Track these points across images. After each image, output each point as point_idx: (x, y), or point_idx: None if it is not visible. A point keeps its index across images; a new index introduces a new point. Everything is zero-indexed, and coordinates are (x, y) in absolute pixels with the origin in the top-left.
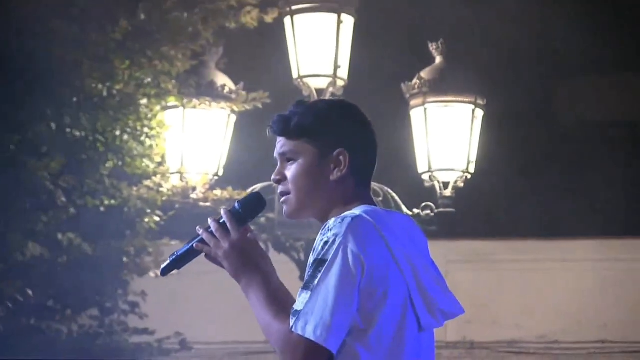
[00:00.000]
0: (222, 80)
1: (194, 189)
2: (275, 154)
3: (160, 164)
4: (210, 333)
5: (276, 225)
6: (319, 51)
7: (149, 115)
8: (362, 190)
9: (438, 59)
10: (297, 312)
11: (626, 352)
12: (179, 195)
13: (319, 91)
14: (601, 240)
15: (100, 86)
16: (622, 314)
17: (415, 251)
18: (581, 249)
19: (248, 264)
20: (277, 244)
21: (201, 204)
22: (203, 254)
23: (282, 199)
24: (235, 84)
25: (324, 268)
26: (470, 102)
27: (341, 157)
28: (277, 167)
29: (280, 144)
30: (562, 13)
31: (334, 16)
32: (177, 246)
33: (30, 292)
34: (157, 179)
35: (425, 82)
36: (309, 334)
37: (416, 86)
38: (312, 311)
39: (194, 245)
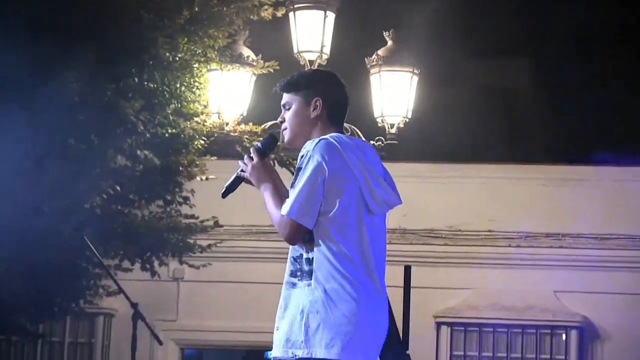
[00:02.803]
0: (247, 52)
1: (227, 124)
2: (281, 106)
3: (205, 106)
4: (235, 217)
5: (280, 150)
6: (311, 35)
7: (199, 75)
8: (334, 125)
9: (389, 42)
10: (285, 202)
11: (506, 238)
12: (217, 128)
13: (311, 62)
14: (491, 164)
15: (168, 54)
16: (503, 213)
17: (366, 162)
18: (479, 170)
19: (263, 177)
20: (281, 161)
21: (231, 133)
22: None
23: (284, 132)
24: (256, 55)
25: (300, 173)
26: (409, 71)
27: (317, 103)
28: (282, 113)
29: (283, 98)
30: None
31: (322, 12)
32: (216, 161)
33: (118, 188)
34: (203, 116)
35: (381, 57)
36: (290, 214)
37: (374, 60)
38: (292, 201)
39: (237, 173)
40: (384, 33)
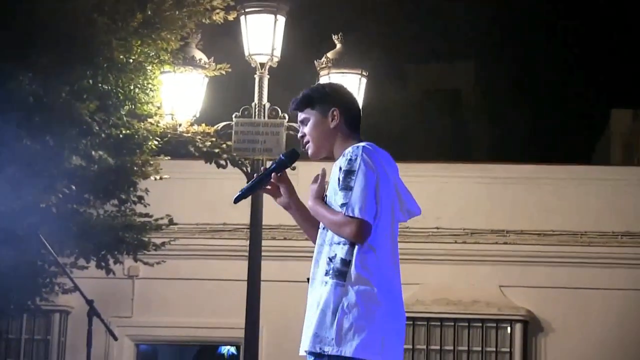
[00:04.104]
0: (199, 55)
1: (180, 125)
2: (298, 124)
3: (158, 108)
4: (189, 216)
5: (232, 150)
6: (262, 38)
7: (152, 77)
8: (353, 131)
9: (338, 45)
10: (345, 204)
11: (453, 235)
12: (170, 128)
13: (262, 64)
14: (436, 163)
15: (122, 57)
16: (449, 210)
17: (395, 171)
18: (425, 169)
19: (292, 191)
20: (233, 161)
21: (184, 134)
22: (261, 188)
23: (307, 146)
24: (208, 58)
25: (354, 175)
26: (358, 73)
27: (334, 113)
28: (300, 129)
29: (298, 116)
30: (415, 19)
31: (272, 16)
32: (169, 161)
33: (73, 187)
34: (156, 117)
35: (330, 60)
36: (356, 213)
37: (324, 62)
38: (355, 201)
39: (256, 183)
40: (333, 36)
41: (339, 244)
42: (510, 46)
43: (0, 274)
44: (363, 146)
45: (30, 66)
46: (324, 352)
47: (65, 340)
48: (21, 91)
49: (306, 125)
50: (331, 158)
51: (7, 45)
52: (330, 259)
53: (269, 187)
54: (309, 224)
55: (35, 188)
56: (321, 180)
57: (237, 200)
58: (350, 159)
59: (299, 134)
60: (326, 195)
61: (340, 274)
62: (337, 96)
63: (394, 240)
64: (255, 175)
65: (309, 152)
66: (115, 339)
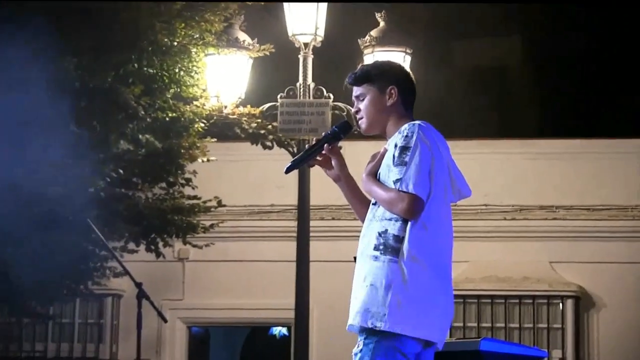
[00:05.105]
0: (243, 36)
1: (226, 107)
2: (353, 98)
3: (204, 90)
4: (237, 198)
5: (278, 130)
6: (305, 18)
7: (197, 59)
8: (408, 111)
9: (382, 24)
10: (400, 179)
11: (501, 212)
12: (216, 110)
13: (305, 44)
14: (484, 140)
15: (166, 40)
16: (497, 187)
17: (447, 150)
18: (472, 146)
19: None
20: (279, 142)
21: (230, 116)
22: (312, 159)
23: (360, 121)
24: (252, 39)
25: (409, 151)
26: (402, 51)
27: (392, 91)
28: (355, 104)
29: (354, 91)
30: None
31: None
32: (216, 143)
33: (121, 171)
34: (202, 100)
35: (374, 38)
36: (411, 189)
37: (368, 41)
38: (410, 177)
39: (311, 153)
40: (377, 14)
41: (390, 220)
42: (556, 21)
43: (52, 259)
44: (419, 124)
45: (76, 51)
46: (375, 327)
47: (118, 323)
48: (67, 76)
49: (362, 100)
50: (381, 136)
51: (52, 31)
52: (380, 234)
53: (319, 158)
54: (357, 200)
55: (82, 172)
56: (379, 159)
57: (288, 170)
58: (407, 136)
59: (354, 109)
60: (379, 174)
61: (393, 250)
62: (396, 74)
63: (447, 219)
64: (307, 146)
65: (362, 127)
66: (165, 321)
